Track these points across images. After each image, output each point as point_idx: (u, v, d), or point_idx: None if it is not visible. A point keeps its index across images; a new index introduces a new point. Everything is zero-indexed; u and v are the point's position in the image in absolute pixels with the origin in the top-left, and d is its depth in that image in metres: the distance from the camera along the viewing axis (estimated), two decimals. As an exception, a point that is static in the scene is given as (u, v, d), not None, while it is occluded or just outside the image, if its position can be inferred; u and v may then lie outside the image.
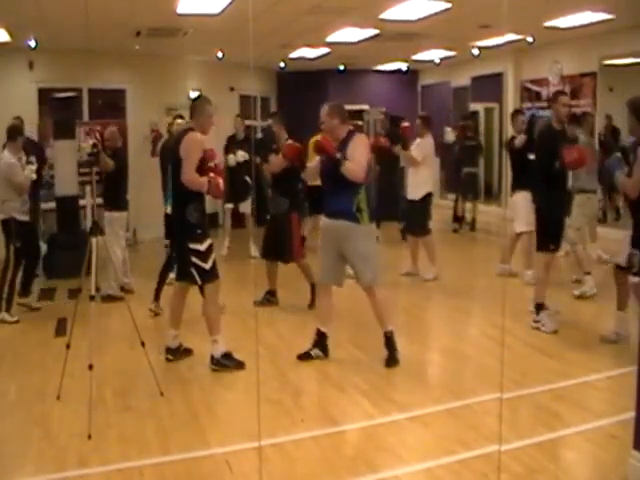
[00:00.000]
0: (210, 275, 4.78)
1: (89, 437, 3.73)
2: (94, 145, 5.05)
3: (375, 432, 3.90)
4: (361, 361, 4.97)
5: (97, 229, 4.47)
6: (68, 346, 4.23)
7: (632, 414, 3.24)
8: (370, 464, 3.48)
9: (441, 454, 3.54)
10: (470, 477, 3.31)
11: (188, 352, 5.09)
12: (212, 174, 4.74)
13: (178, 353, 5.02)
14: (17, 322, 6.12)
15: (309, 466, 3.45)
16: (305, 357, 4.97)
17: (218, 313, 4.93)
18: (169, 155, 5.01)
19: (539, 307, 5.52)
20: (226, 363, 4.79)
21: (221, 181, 4.80)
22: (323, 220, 4.94)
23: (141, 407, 4.23)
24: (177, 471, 3.45)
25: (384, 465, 3.49)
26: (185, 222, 4.67)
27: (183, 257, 4.79)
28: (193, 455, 3.58)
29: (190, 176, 4.62)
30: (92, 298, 4.16)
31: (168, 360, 4.96)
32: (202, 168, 4.68)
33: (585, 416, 3.94)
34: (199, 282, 4.81)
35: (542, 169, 5.43)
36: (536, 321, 5.50)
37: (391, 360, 4.81)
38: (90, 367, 3.96)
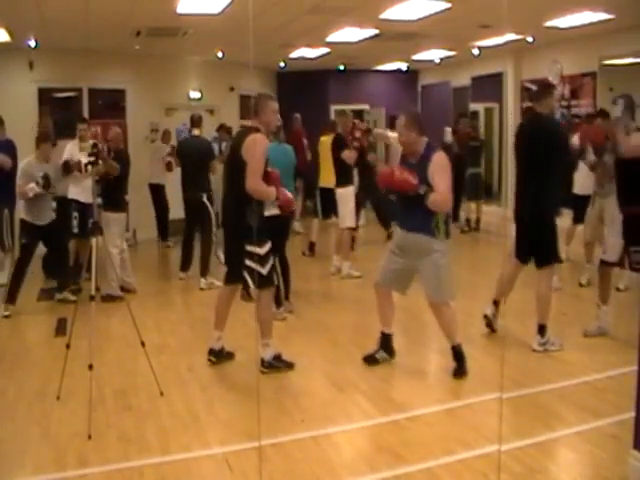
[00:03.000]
0: (267, 281, 4.64)
1: (89, 437, 3.74)
2: (94, 145, 5.04)
3: (375, 432, 3.90)
4: (361, 361, 4.97)
5: (97, 229, 4.47)
6: (68, 346, 4.23)
7: (632, 414, 3.24)
8: (370, 464, 3.48)
9: (441, 454, 3.54)
10: (470, 477, 3.32)
11: (230, 355, 5.00)
12: (280, 187, 4.62)
13: (221, 356, 4.94)
14: (9, 317, 6.18)
15: (309, 466, 3.45)
16: (371, 360, 4.88)
17: (271, 318, 4.83)
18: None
19: (543, 329, 5.08)
20: (277, 365, 4.75)
21: (290, 195, 4.68)
22: (399, 232, 4.76)
23: (141, 407, 4.24)
24: (177, 471, 3.45)
25: (384, 465, 3.49)
26: (244, 224, 4.46)
27: (237, 260, 4.61)
28: (193, 455, 3.59)
29: (256, 184, 4.40)
30: (92, 298, 4.17)
31: (210, 362, 4.91)
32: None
33: (585, 416, 3.94)
34: (253, 287, 4.59)
35: (557, 167, 4.92)
36: (542, 344, 5.06)
37: (459, 371, 4.66)
38: (90, 367, 3.96)
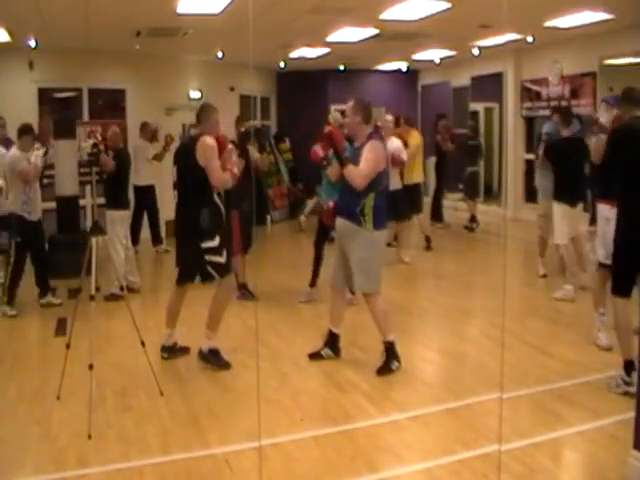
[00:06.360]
0: (226, 268, 4.81)
1: (89, 437, 3.74)
2: (94, 145, 5.04)
3: (375, 432, 3.90)
4: (361, 361, 4.97)
5: (97, 229, 4.47)
6: (68, 346, 4.23)
7: (632, 414, 3.24)
8: (370, 464, 3.48)
9: (441, 454, 3.55)
10: (470, 477, 3.31)
11: (184, 350, 5.11)
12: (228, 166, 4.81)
13: (173, 351, 5.07)
14: (15, 316, 6.23)
15: (309, 466, 3.45)
16: (316, 356, 4.99)
17: (223, 310, 4.89)
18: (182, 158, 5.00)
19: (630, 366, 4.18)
20: (210, 359, 4.84)
21: (235, 169, 4.87)
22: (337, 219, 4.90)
23: (141, 407, 4.24)
24: (177, 471, 3.45)
25: (384, 465, 3.49)
26: (197, 225, 4.66)
27: (192, 259, 4.78)
28: (193, 455, 3.59)
29: (219, 177, 4.67)
30: (92, 298, 4.17)
31: (163, 358, 5.01)
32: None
33: (585, 416, 3.94)
34: (217, 277, 4.77)
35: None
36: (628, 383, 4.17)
37: (384, 369, 4.69)
38: (90, 367, 3.96)
